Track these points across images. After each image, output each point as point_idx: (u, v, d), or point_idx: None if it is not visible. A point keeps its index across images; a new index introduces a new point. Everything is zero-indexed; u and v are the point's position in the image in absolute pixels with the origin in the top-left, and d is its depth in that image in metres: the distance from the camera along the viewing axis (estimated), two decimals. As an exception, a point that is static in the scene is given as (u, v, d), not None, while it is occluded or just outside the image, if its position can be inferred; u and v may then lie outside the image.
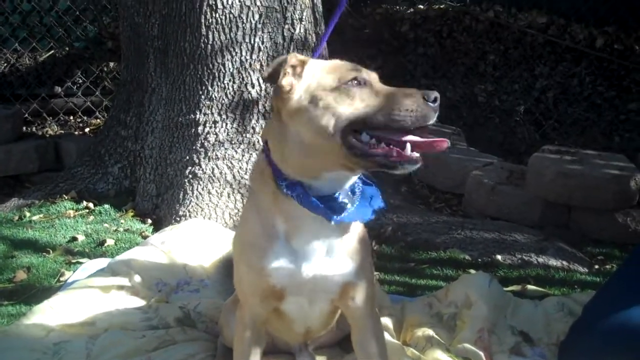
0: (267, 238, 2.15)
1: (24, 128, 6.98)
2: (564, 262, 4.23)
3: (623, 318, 2.62)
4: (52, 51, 7.84)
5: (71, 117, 7.58)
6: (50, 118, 7.42)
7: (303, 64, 2.12)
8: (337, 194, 2.08)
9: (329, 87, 2.03)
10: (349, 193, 2.13)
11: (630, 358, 2.46)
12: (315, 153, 2.01)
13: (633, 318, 2.59)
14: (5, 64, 7.69)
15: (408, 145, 1.95)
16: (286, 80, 2.07)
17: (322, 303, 2.32)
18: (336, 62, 2.14)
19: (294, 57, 2.12)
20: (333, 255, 2.18)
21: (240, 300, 2.38)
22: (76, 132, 7.25)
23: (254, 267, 2.18)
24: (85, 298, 3.30)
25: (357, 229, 2.24)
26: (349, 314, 2.36)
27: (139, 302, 3.34)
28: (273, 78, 2.14)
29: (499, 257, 4.24)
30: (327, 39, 2.83)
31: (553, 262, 4.22)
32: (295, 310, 2.33)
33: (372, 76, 2.08)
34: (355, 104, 1.99)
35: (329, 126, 1.97)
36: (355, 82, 2.02)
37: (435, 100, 1.98)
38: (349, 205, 2.09)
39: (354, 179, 2.13)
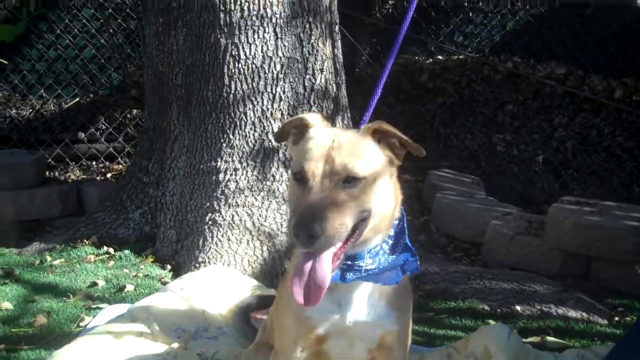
0: None
1: (47, 173, 7.08)
2: (584, 314, 4.20)
3: None
4: (77, 98, 7.99)
5: (94, 163, 7.67)
6: (73, 163, 7.52)
7: (307, 127, 2.17)
8: (361, 254, 2.11)
9: (292, 169, 2.07)
10: (378, 255, 2.15)
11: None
12: None
13: None
14: (31, 110, 7.85)
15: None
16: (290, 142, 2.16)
17: (361, 349, 2.33)
18: (313, 140, 2.09)
19: (298, 119, 2.19)
20: (375, 304, 2.23)
21: (278, 347, 2.39)
22: (98, 178, 7.34)
23: (300, 316, 2.21)
24: (104, 344, 3.32)
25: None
26: None
27: (158, 349, 3.35)
28: (280, 137, 2.21)
29: (518, 307, 4.22)
30: (375, 101, 2.78)
31: (573, 313, 4.19)
32: (337, 351, 2.34)
33: (311, 167, 1.99)
34: (293, 202, 2.04)
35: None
36: (299, 176, 2.02)
37: (302, 238, 1.87)
38: (372, 266, 2.12)
39: (376, 241, 2.14)
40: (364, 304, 2.21)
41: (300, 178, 2.00)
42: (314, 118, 2.19)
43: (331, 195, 1.94)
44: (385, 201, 2.10)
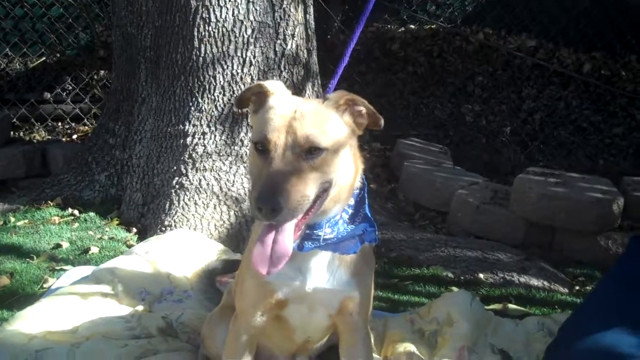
0: None
1: (12, 133, 6.96)
2: (545, 283, 4.28)
3: (594, 341, 2.66)
4: (43, 57, 7.83)
5: (59, 124, 7.56)
6: (39, 124, 7.40)
7: (267, 95, 2.14)
8: (320, 223, 2.12)
9: (253, 139, 2.06)
10: (337, 224, 2.16)
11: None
12: None
13: (603, 342, 2.63)
14: (-5, 68, 7.69)
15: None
16: (250, 109, 2.14)
17: (321, 315, 2.34)
18: (273, 110, 2.05)
19: (258, 86, 2.16)
20: (335, 271, 2.24)
21: (238, 310, 2.40)
22: (64, 139, 7.24)
23: (260, 281, 2.22)
24: (68, 305, 3.30)
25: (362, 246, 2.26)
26: (343, 327, 2.39)
27: (122, 311, 3.34)
28: (240, 103, 2.20)
29: (481, 275, 4.28)
30: (342, 68, 2.74)
31: (534, 282, 4.26)
32: (297, 317, 2.35)
33: (273, 138, 1.96)
34: (254, 173, 2.03)
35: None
36: (260, 147, 2.00)
37: (265, 211, 1.86)
38: (330, 236, 2.13)
39: (336, 211, 2.14)
40: (324, 271, 2.22)
41: (261, 148, 1.99)
42: (274, 85, 2.16)
43: (293, 167, 1.92)
44: (346, 171, 2.10)
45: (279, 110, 2.03)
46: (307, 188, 1.92)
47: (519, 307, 3.85)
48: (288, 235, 1.96)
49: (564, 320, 3.14)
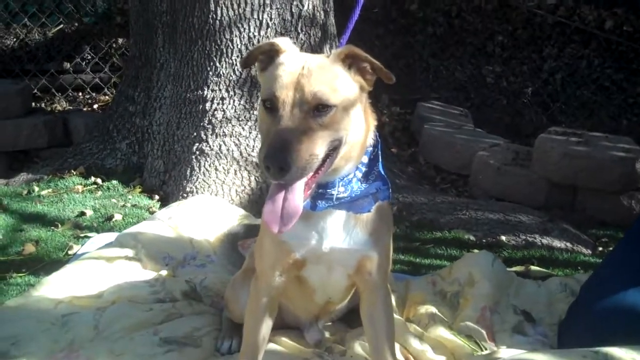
0: None
1: (33, 103, 7.00)
2: (568, 244, 4.25)
3: (614, 302, 2.66)
4: (61, 26, 7.83)
5: (80, 93, 7.59)
6: (59, 94, 7.43)
7: (277, 53, 2.12)
8: (333, 182, 2.12)
9: (261, 96, 2.04)
10: (351, 183, 2.15)
11: (625, 338, 2.49)
12: None
13: (626, 300, 2.63)
14: (15, 39, 7.69)
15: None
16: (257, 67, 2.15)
17: (340, 275, 2.36)
18: (282, 67, 2.03)
19: (266, 44, 2.14)
20: (351, 230, 2.24)
21: (258, 271, 2.42)
22: (84, 108, 7.28)
23: (277, 241, 2.23)
24: (93, 270, 3.35)
25: (378, 204, 2.25)
26: (363, 287, 2.40)
27: (147, 275, 3.38)
28: (247, 63, 2.19)
29: (503, 237, 4.27)
30: (353, 23, 2.70)
31: (557, 243, 4.24)
32: (316, 278, 2.37)
33: (282, 95, 1.95)
34: (263, 131, 2.01)
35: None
36: (268, 104, 1.99)
37: (273, 170, 1.85)
38: (344, 195, 2.13)
39: (348, 169, 2.13)
40: (340, 230, 2.23)
41: (270, 106, 1.98)
42: (284, 43, 2.14)
43: (302, 125, 1.91)
44: (357, 129, 2.07)
45: (288, 67, 2.02)
46: (315, 146, 1.91)
47: (541, 269, 3.83)
48: (298, 194, 1.95)
49: (586, 280, 3.14)
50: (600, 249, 4.34)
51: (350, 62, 2.09)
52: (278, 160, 1.83)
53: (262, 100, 2.01)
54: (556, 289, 3.37)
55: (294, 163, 1.84)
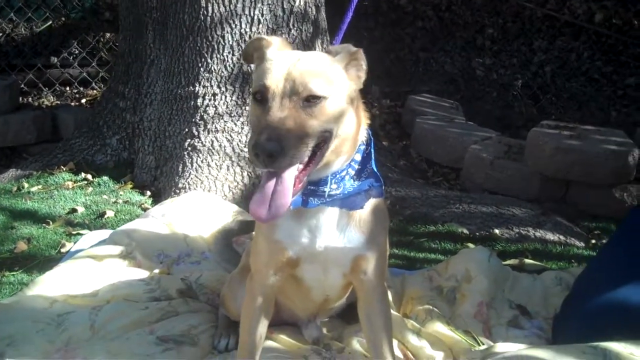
0: None
1: (20, 99, 6.93)
2: (561, 237, 4.27)
3: (609, 295, 2.68)
4: (49, 22, 7.75)
5: (67, 88, 7.52)
6: (47, 89, 7.36)
7: (266, 47, 2.13)
8: (325, 179, 2.11)
9: (252, 90, 2.04)
10: (344, 180, 2.14)
11: (617, 332, 2.51)
12: None
13: (617, 295, 2.66)
14: (1, 34, 7.62)
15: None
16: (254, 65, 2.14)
17: (336, 274, 2.35)
18: (272, 61, 2.04)
19: (257, 40, 2.15)
20: (345, 229, 2.22)
21: (253, 270, 2.40)
22: (72, 103, 7.21)
23: (271, 239, 2.23)
24: (87, 269, 3.32)
25: (372, 203, 2.24)
26: (359, 286, 2.39)
27: (141, 274, 3.36)
28: (245, 59, 2.21)
29: (496, 231, 4.27)
30: (346, 24, 2.70)
31: (550, 236, 4.26)
32: (311, 277, 2.36)
33: (271, 86, 1.95)
34: (253, 123, 2.01)
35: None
36: (258, 96, 1.99)
37: (262, 157, 1.85)
38: (336, 192, 2.13)
39: (339, 164, 2.12)
40: (334, 229, 2.22)
41: (260, 98, 1.98)
42: (273, 39, 2.16)
43: (291, 114, 1.91)
44: (348, 123, 2.07)
45: (279, 61, 2.02)
46: (305, 135, 1.91)
47: (535, 262, 3.84)
48: (288, 185, 1.95)
49: (580, 274, 3.16)
50: (593, 241, 4.35)
51: (349, 59, 2.10)
52: (267, 147, 1.82)
53: (253, 93, 2.02)
54: (551, 282, 3.40)
55: (283, 150, 1.84)
